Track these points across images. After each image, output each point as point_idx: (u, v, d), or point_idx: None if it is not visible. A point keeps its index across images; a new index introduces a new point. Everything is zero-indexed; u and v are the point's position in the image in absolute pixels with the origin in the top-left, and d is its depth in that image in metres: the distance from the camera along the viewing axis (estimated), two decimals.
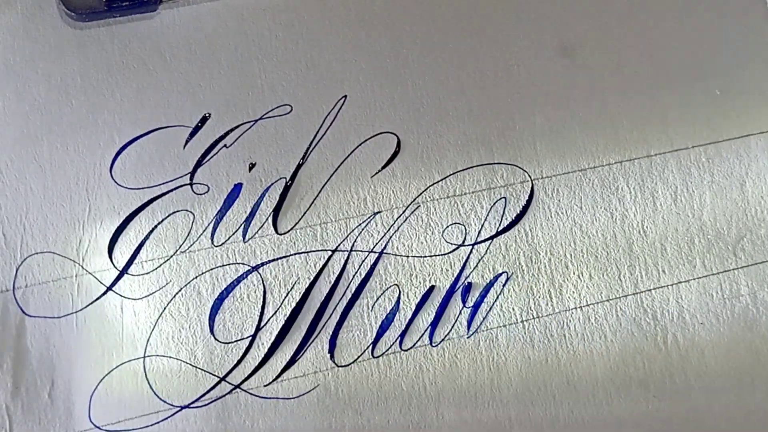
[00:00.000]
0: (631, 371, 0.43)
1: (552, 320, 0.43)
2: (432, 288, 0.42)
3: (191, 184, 0.41)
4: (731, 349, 0.45)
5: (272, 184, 0.41)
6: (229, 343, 0.40)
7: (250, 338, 0.40)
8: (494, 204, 0.43)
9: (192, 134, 0.41)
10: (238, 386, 0.40)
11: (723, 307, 0.45)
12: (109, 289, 0.39)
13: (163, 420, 0.39)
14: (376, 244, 0.42)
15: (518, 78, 0.45)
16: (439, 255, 0.43)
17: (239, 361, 0.40)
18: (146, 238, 0.40)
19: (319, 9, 0.43)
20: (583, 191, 0.45)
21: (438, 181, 0.43)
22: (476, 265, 0.43)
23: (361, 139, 0.43)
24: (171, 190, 0.41)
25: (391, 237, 0.42)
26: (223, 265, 0.41)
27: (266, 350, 0.40)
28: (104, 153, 0.40)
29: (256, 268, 0.41)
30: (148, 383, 0.39)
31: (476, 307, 0.43)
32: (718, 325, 0.45)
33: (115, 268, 0.40)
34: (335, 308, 0.41)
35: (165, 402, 0.39)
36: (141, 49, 0.41)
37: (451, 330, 0.42)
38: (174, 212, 0.40)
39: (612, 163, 0.45)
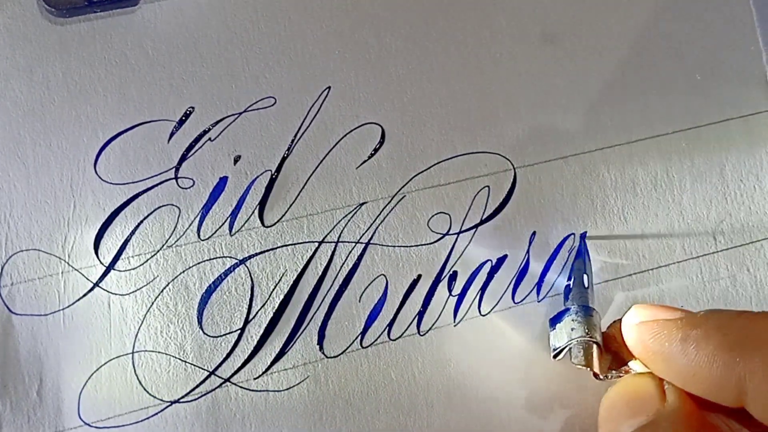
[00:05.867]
0: None
1: (536, 307, 0.44)
2: (419, 277, 0.43)
3: (176, 179, 0.41)
4: None
5: (258, 176, 0.41)
6: (218, 336, 0.40)
7: (239, 331, 0.40)
8: (478, 193, 0.44)
9: (176, 128, 0.41)
10: (227, 380, 0.40)
11: (703, 291, 0.46)
12: (96, 285, 0.39)
13: (153, 415, 0.39)
14: (363, 234, 0.42)
15: (501, 66, 0.45)
16: (424, 244, 0.43)
17: (228, 355, 0.40)
18: (132, 233, 0.40)
19: (301, 0, 0.43)
20: (565, 178, 0.45)
21: (423, 171, 0.43)
22: (461, 254, 0.43)
23: (346, 130, 0.43)
24: (156, 185, 0.40)
25: (377, 227, 0.42)
26: (210, 259, 0.41)
27: (255, 343, 0.40)
28: (88, 149, 0.40)
29: (243, 261, 0.41)
30: (137, 379, 0.39)
31: (462, 295, 0.43)
32: (699, 308, 0.45)
33: (102, 264, 0.39)
34: (323, 300, 0.41)
35: (155, 397, 0.39)
36: (123, 43, 0.41)
37: (438, 318, 0.42)
38: (159, 207, 0.40)
39: (593, 150, 0.45)
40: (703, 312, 0.36)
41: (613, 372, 0.39)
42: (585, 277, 0.43)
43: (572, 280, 0.43)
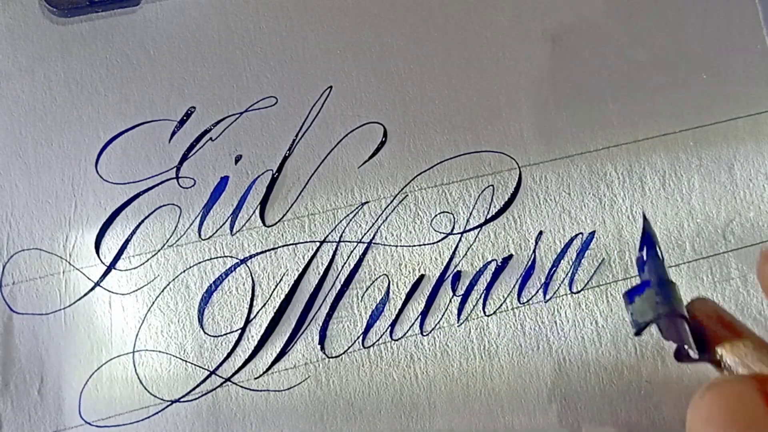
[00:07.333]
0: (622, 356, 0.43)
1: (543, 307, 0.43)
2: (421, 277, 0.42)
3: (177, 178, 0.41)
4: None
5: (259, 176, 0.41)
6: (219, 336, 0.40)
7: (240, 331, 0.40)
8: (482, 192, 0.43)
9: (177, 128, 0.41)
10: (228, 379, 0.40)
11: (714, 291, 0.45)
12: (97, 284, 0.39)
13: (153, 414, 0.39)
14: (365, 234, 0.42)
15: (504, 65, 0.44)
16: (428, 244, 0.43)
17: (229, 355, 0.40)
18: (133, 232, 0.40)
19: (302, 0, 0.43)
20: (571, 177, 0.45)
21: (425, 170, 0.43)
22: (465, 254, 0.43)
23: (348, 130, 0.43)
24: (157, 185, 0.40)
25: (379, 227, 0.42)
26: (211, 259, 0.40)
27: (256, 343, 0.40)
28: (89, 148, 0.40)
29: (244, 260, 0.41)
30: (138, 378, 0.39)
31: (466, 295, 0.43)
32: None
33: (103, 263, 0.40)
34: (325, 299, 0.41)
35: (155, 396, 0.39)
36: (124, 43, 0.41)
37: (441, 319, 0.42)
38: (161, 206, 0.40)
39: (600, 148, 0.45)
40: None
41: (702, 355, 0.36)
42: (657, 248, 0.41)
43: (644, 251, 0.41)
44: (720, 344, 0.35)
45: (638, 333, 0.37)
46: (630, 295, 0.38)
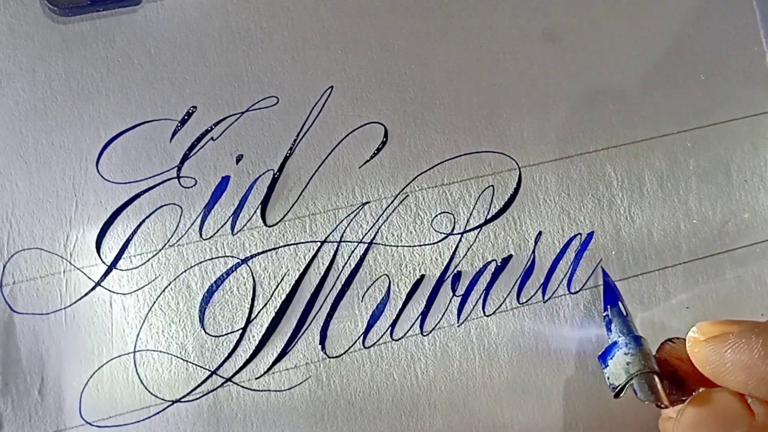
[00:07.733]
0: None
1: (542, 307, 0.43)
2: (422, 277, 0.42)
3: (178, 178, 0.41)
4: None
5: (260, 176, 0.41)
6: (220, 336, 0.40)
7: (241, 331, 0.40)
8: (482, 192, 0.44)
9: (178, 127, 0.41)
10: (229, 379, 0.40)
11: (708, 291, 0.46)
12: (98, 284, 0.39)
13: (154, 414, 0.39)
14: (365, 234, 0.42)
15: (504, 66, 0.45)
16: (428, 244, 0.43)
17: (230, 354, 0.40)
18: (134, 232, 0.40)
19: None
20: (571, 178, 0.45)
21: (426, 171, 0.43)
22: (465, 254, 0.43)
23: (349, 130, 0.43)
24: (158, 184, 0.40)
25: (380, 227, 0.42)
26: (212, 258, 0.40)
27: (257, 343, 0.40)
28: (90, 148, 0.40)
29: (245, 260, 0.41)
30: (139, 378, 0.39)
31: (466, 295, 0.43)
32: (704, 309, 0.45)
33: (104, 263, 0.39)
34: (325, 299, 0.41)
35: (156, 396, 0.39)
36: (125, 43, 0.41)
37: (441, 319, 0.42)
38: (161, 206, 0.40)
39: (599, 149, 0.45)
40: None
41: (675, 396, 0.38)
42: (620, 305, 0.42)
43: (608, 310, 0.42)
44: (695, 384, 0.37)
45: (617, 396, 0.38)
46: (603, 359, 0.40)
